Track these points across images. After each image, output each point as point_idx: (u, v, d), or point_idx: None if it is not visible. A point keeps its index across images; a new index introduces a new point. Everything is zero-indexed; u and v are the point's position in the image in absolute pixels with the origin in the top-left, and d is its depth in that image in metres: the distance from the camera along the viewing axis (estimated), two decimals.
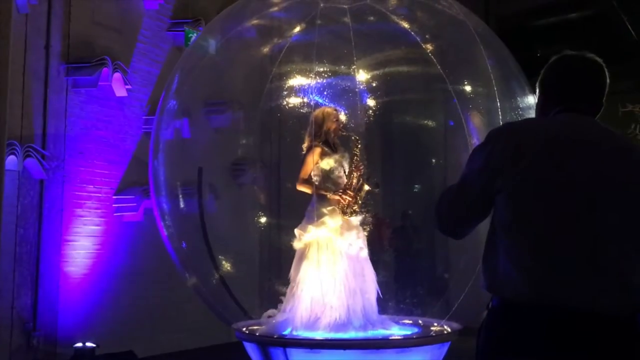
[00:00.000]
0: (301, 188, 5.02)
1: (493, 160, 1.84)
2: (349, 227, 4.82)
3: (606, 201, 1.77)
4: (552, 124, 1.93)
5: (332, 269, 4.73)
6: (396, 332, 4.86)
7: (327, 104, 5.68)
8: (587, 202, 1.76)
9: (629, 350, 1.75)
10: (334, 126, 5.03)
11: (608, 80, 1.96)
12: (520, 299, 1.77)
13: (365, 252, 4.87)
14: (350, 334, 4.59)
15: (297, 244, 4.91)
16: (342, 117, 5.15)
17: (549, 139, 1.85)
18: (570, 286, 1.74)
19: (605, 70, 1.96)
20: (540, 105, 2.04)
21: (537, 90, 2.04)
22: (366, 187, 4.85)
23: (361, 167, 4.93)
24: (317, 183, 4.94)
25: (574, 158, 1.81)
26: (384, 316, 5.00)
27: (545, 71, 2.01)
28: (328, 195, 4.91)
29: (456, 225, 2.02)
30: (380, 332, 4.72)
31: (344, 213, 4.83)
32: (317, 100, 5.50)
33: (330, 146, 5.04)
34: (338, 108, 5.25)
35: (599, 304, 1.73)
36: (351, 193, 4.83)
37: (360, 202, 4.85)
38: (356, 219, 4.88)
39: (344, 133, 5.07)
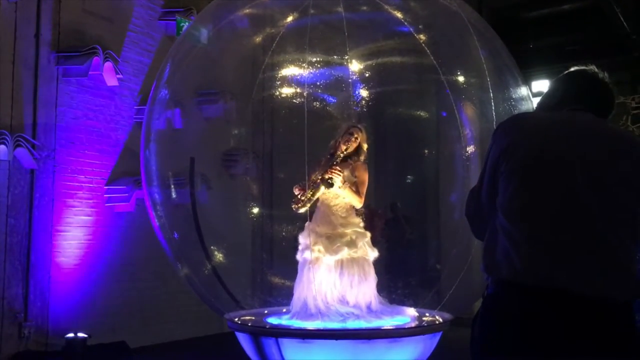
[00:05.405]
0: None
1: (496, 147, 1.95)
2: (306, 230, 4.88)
3: (601, 187, 1.81)
4: (555, 115, 2.05)
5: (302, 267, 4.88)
6: (387, 322, 4.86)
7: (320, 94, 5.65)
8: (582, 187, 1.80)
9: (622, 334, 1.77)
10: (341, 141, 4.97)
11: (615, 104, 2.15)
12: (516, 279, 1.80)
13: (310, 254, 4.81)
14: (336, 325, 4.59)
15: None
16: (353, 133, 4.98)
17: (549, 126, 1.96)
18: (563, 268, 1.77)
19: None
20: (547, 102, 2.14)
21: (552, 89, 2.14)
22: (322, 187, 4.84)
23: (330, 169, 4.82)
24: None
25: (570, 144, 1.87)
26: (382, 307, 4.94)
27: (569, 78, 2.12)
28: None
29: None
30: (375, 323, 4.72)
31: (293, 205, 4.92)
32: (309, 91, 5.47)
33: (334, 159, 5.00)
34: (358, 125, 5.12)
35: (592, 287, 1.75)
36: (301, 189, 4.90)
37: (309, 196, 4.85)
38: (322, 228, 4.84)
39: (344, 149, 4.96)
